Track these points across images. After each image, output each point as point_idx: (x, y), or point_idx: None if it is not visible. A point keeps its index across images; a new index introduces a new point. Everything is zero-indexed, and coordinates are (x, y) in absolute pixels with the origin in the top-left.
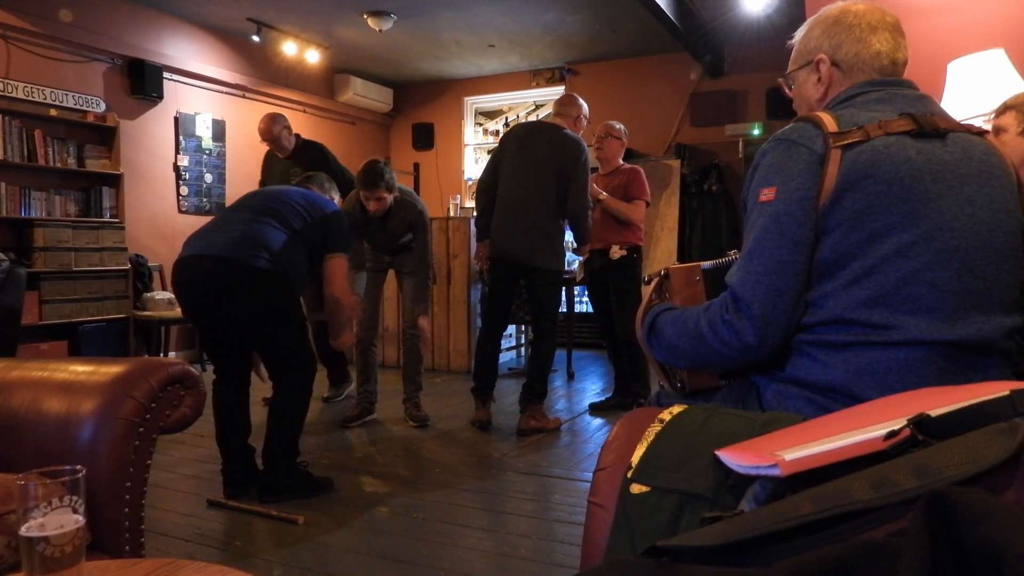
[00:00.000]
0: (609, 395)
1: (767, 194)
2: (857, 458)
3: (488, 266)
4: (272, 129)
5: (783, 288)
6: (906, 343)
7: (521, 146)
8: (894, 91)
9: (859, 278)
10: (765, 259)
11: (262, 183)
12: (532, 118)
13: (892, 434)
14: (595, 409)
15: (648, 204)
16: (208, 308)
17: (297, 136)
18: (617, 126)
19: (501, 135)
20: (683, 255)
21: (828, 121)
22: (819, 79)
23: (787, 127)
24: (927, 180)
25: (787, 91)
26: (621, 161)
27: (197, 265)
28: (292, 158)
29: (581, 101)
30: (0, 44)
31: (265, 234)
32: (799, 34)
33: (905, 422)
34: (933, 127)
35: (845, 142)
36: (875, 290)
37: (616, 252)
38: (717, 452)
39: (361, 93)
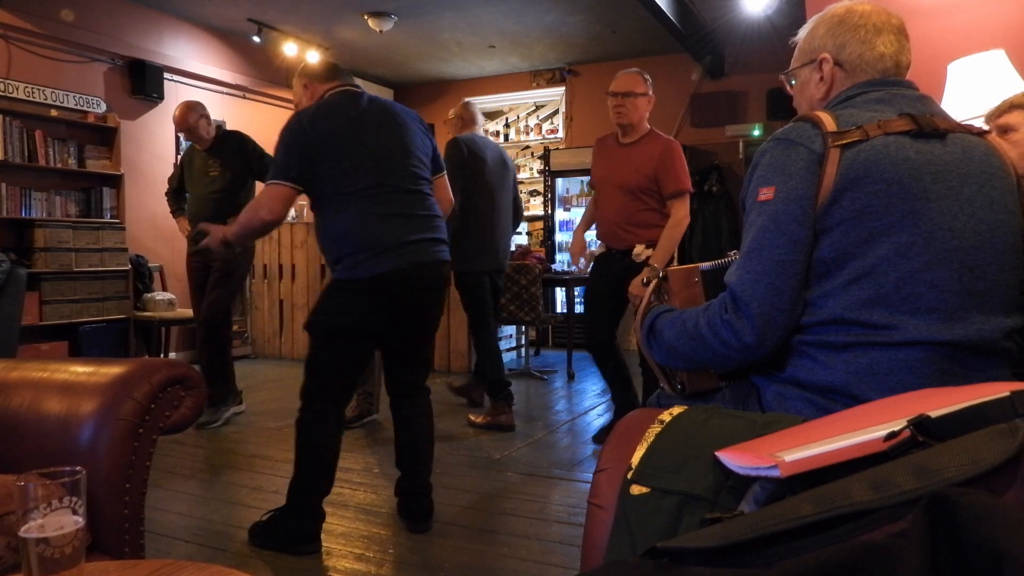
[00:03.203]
0: (608, 419)
1: (766, 193)
2: (857, 459)
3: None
4: (187, 118)
5: (782, 287)
6: (906, 343)
7: None
8: (894, 91)
9: (859, 278)
10: (764, 258)
11: (178, 179)
12: (532, 119)
13: (892, 435)
14: (599, 438)
15: (692, 192)
16: (412, 316)
17: (219, 127)
18: (642, 76)
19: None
20: (684, 256)
21: (827, 120)
22: (821, 78)
23: (786, 127)
24: (927, 180)
25: (788, 88)
26: (648, 125)
27: (421, 274)
28: (211, 150)
29: (465, 102)
30: (1, 44)
31: (439, 217)
32: (803, 31)
33: (905, 423)
34: (932, 127)
35: (844, 141)
36: (875, 290)
37: (642, 252)
38: (717, 453)
39: None
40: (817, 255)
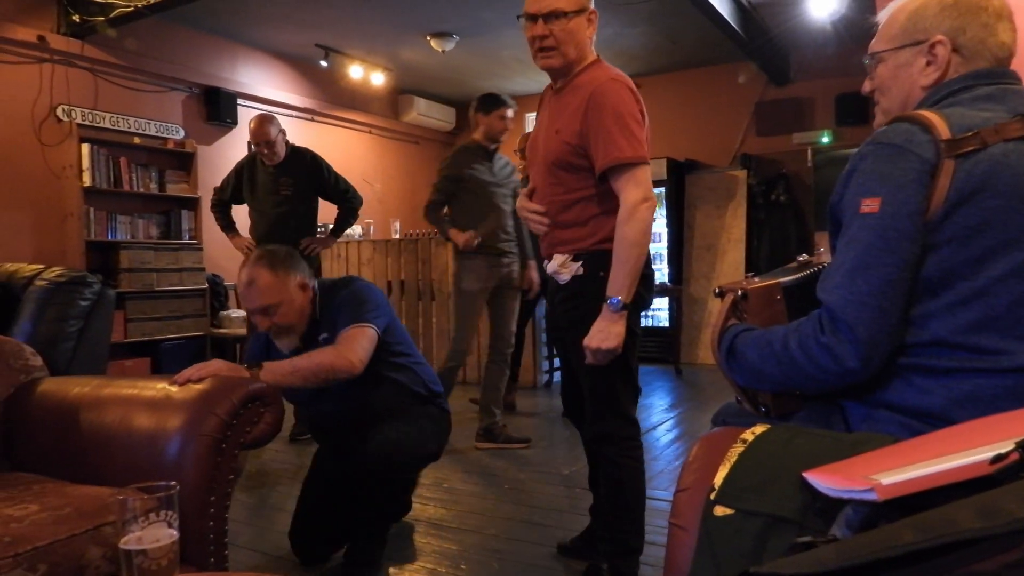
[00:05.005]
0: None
1: (870, 205)
2: (957, 483)
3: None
4: (270, 131)
5: (890, 309)
6: (1015, 370)
7: None
8: (1004, 87)
9: (967, 299)
10: (871, 278)
11: (233, 188)
12: None
13: (999, 458)
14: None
15: (647, 163)
16: None
17: (288, 143)
18: None
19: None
20: (750, 267)
21: (940, 125)
22: (930, 63)
23: (889, 127)
24: None
25: (870, 71)
26: (594, 54)
27: None
28: (280, 167)
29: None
30: (89, 77)
31: None
32: (890, 10)
33: (1013, 445)
34: None
35: (960, 151)
36: (984, 313)
37: (564, 266)
38: (805, 474)
39: (424, 113)
40: (922, 273)
